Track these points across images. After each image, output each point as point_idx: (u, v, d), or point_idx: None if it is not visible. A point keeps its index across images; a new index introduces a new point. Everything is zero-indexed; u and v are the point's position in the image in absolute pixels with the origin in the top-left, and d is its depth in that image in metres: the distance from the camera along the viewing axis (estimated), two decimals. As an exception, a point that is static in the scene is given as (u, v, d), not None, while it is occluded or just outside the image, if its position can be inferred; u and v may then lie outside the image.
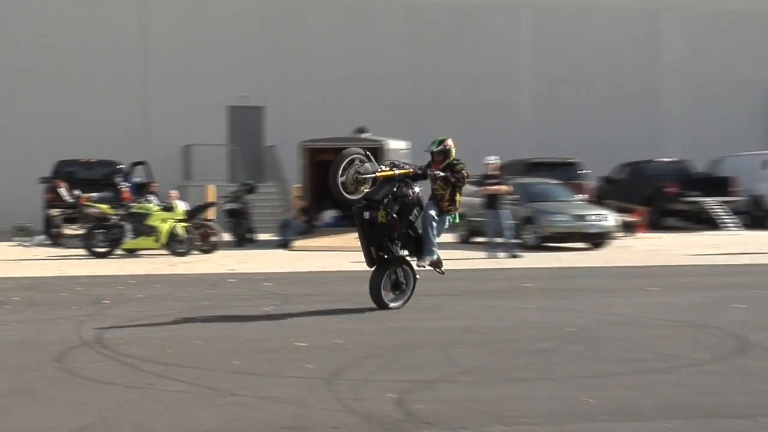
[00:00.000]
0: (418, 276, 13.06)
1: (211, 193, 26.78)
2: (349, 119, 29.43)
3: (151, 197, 22.97)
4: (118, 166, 28.53)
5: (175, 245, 21.38)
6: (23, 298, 14.24)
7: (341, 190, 12.17)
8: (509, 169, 29.03)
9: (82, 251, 21.47)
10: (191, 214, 22.24)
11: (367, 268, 12.90)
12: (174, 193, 25.55)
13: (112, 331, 11.15)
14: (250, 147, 33.24)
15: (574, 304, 13.66)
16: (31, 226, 26.47)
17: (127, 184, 27.73)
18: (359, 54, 34.75)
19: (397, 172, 12.53)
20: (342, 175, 12.17)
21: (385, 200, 12.35)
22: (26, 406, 7.65)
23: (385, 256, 12.66)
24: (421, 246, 12.92)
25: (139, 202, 22.46)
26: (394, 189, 12.42)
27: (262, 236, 25.93)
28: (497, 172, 21.94)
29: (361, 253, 12.78)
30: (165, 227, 21.25)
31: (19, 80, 32.48)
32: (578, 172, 29.58)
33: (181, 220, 21.54)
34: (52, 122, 32.43)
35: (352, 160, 12.37)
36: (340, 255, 21.67)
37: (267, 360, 9.48)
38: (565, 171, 29.07)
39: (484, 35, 36.12)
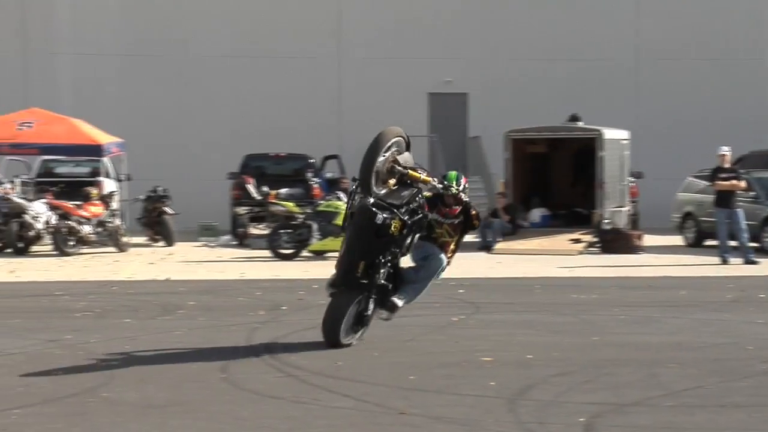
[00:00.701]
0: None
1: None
2: (561, 107, 29.07)
3: (341, 194, 23.29)
4: (309, 161, 29.02)
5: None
6: (199, 303, 14.73)
7: (372, 178, 10.61)
8: (750, 162, 28.18)
9: (267, 253, 22.01)
10: (383, 213, 22.44)
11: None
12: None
13: (284, 340, 11.40)
14: (452, 138, 33.26)
15: (812, 317, 13.18)
16: (217, 225, 27.26)
17: (317, 179, 28.22)
18: (571, 33, 34.28)
19: (431, 180, 11.21)
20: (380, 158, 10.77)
21: (404, 209, 10.75)
22: (182, 418, 7.92)
23: (365, 280, 10.69)
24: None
25: (328, 200, 22.83)
26: (417, 198, 10.94)
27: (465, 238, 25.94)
28: (731, 165, 21.24)
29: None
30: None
31: (209, 69, 33.52)
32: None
33: (372, 220, 21.74)
34: (243, 113, 33.31)
35: (394, 144, 11.18)
36: (546, 259, 21.55)
37: (445, 376, 9.51)
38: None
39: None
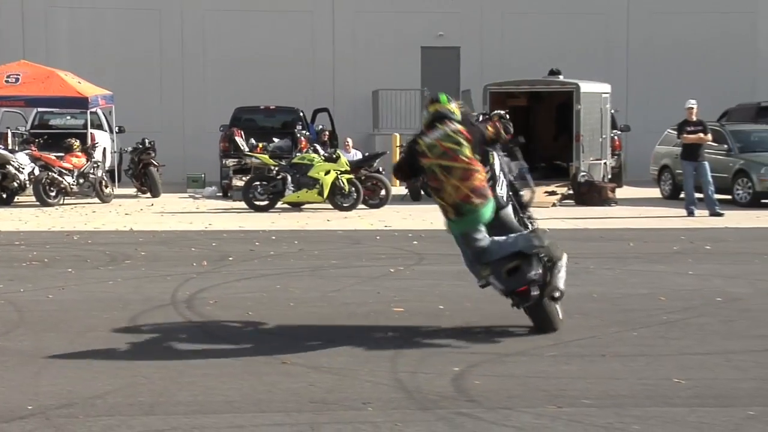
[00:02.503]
0: None
1: (397, 142, 26.88)
2: (552, 61, 28.82)
3: (318, 147, 23.20)
4: (298, 114, 28.98)
5: (338, 199, 21.63)
6: (149, 253, 14.74)
7: None
8: (737, 115, 27.95)
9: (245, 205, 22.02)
10: (358, 166, 22.41)
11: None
12: (349, 142, 25.88)
13: (210, 291, 11.41)
14: (444, 91, 32.99)
15: (747, 271, 13.10)
16: (202, 176, 27.31)
17: (306, 132, 28.15)
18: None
19: None
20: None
21: None
22: (62, 368, 7.91)
23: None
24: None
25: (304, 153, 22.81)
26: None
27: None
28: (697, 119, 21.04)
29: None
30: (328, 179, 21.49)
31: (204, 23, 33.39)
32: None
33: (345, 172, 21.71)
34: (237, 67, 33.22)
35: None
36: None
37: (347, 327, 9.51)
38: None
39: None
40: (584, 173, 23.86)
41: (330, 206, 21.79)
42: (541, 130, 26.99)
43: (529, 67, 29.73)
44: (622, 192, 26.09)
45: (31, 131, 27.84)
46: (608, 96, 25.91)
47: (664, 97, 32.37)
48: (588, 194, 23.20)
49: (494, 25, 33.78)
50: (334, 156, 22.05)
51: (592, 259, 14.19)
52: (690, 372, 7.77)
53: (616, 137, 27.66)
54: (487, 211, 8.89)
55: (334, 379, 7.58)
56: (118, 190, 25.56)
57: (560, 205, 23.00)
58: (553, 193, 23.48)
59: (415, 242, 16.13)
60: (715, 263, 13.77)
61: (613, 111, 29.13)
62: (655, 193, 25.34)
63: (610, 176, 25.71)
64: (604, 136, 25.56)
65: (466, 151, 8.87)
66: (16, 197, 23.30)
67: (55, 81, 25.72)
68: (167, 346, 8.68)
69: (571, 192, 23.63)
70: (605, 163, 25.27)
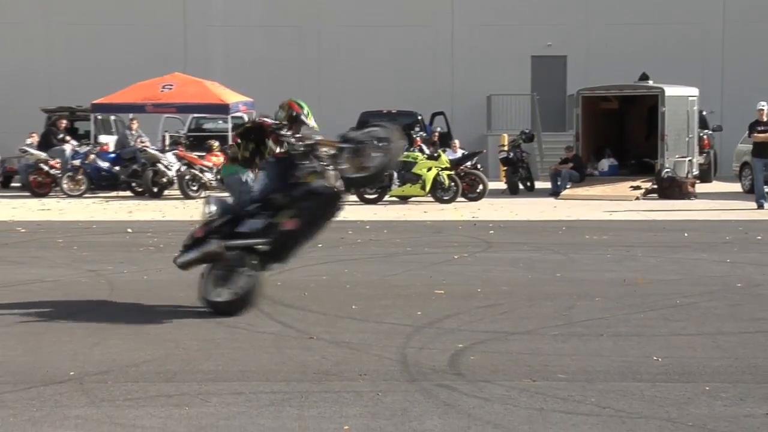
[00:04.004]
0: None
1: (505, 142, 26.68)
2: (648, 67, 28.16)
3: (424, 147, 23.19)
4: (417, 117, 29.03)
5: (439, 193, 21.61)
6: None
7: None
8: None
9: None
10: (458, 163, 22.34)
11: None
12: (456, 143, 25.82)
13: (283, 274, 11.39)
14: (551, 96, 32.74)
15: (783, 259, 12.62)
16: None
17: (423, 133, 28.13)
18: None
19: None
20: None
21: None
22: (115, 339, 8.11)
23: None
24: None
25: (410, 151, 22.80)
26: None
27: (541, 185, 25.50)
28: (767, 119, 20.33)
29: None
30: (430, 175, 21.49)
31: (341, 38, 33.69)
32: None
33: (446, 169, 21.67)
34: (368, 76, 33.41)
35: None
36: (601, 204, 21.13)
37: (386, 306, 9.48)
38: None
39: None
40: (668, 170, 23.27)
41: (432, 199, 21.76)
42: (633, 130, 26.48)
43: (630, 73, 29.07)
44: (711, 187, 25.46)
45: (188, 134, 28.50)
46: (695, 99, 25.18)
47: (757, 100, 31.26)
48: (669, 189, 22.64)
49: (598, 35, 33.21)
50: (436, 155, 22.05)
51: (644, 247, 13.88)
52: (673, 351, 7.56)
53: (705, 137, 26.93)
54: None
55: (347, 353, 7.60)
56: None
57: (644, 199, 22.49)
58: (637, 187, 23.03)
59: (491, 232, 16.01)
60: (758, 252, 13.32)
61: (705, 112, 28.43)
62: (738, 187, 24.56)
63: (696, 173, 25.04)
64: (690, 136, 24.87)
65: None
66: (165, 191, 23.89)
67: (202, 90, 26.28)
68: (219, 321, 8.76)
69: (655, 187, 23.10)
70: (690, 161, 24.58)
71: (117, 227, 16.98)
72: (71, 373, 6.98)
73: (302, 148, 9.15)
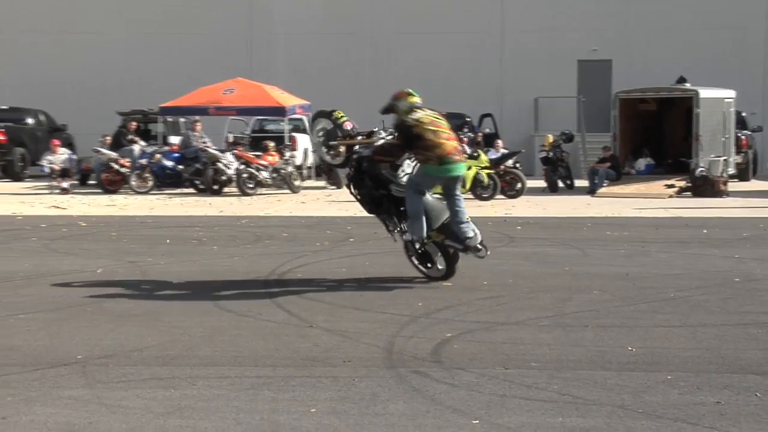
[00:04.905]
0: None
1: (548, 142, 26.47)
2: (689, 71, 27.72)
3: (466, 147, 23.06)
4: (466, 119, 28.93)
5: (478, 190, 21.51)
6: (290, 235, 14.97)
7: None
8: None
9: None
10: (498, 162, 22.23)
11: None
12: (499, 143, 25.66)
13: (307, 266, 11.58)
14: (597, 98, 32.37)
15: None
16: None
17: (470, 134, 28.03)
18: (706, 3, 32.62)
19: None
20: None
21: None
22: (137, 325, 8.21)
23: None
24: None
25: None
26: None
27: (582, 183, 25.25)
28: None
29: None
30: (470, 174, 21.35)
31: (395, 43, 33.69)
32: None
33: (485, 168, 21.58)
34: (421, 80, 33.32)
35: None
36: (634, 202, 20.87)
37: (391, 296, 9.47)
38: None
39: None
40: (702, 169, 22.91)
41: (472, 196, 21.65)
42: (671, 131, 26.10)
43: (672, 76, 28.57)
44: (748, 186, 25.02)
45: (251, 135, 28.75)
46: (732, 100, 24.75)
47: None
48: (702, 187, 22.29)
49: (642, 39, 32.77)
50: (475, 154, 21.92)
51: (659, 243, 13.69)
52: (648, 341, 7.47)
53: (743, 137, 26.47)
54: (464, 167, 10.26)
55: (339, 341, 7.62)
56: (312, 183, 26.14)
57: (677, 197, 22.17)
58: (671, 186, 22.72)
59: (518, 227, 15.91)
60: (775, 249, 13.05)
61: (745, 113, 27.94)
62: (773, 186, 24.16)
63: (732, 172, 24.64)
64: (727, 136, 24.47)
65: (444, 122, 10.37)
66: (225, 188, 24.13)
67: (261, 93, 26.47)
68: (230, 310, 8.85)
69: (688, 185, 22.75)
70: (725, 160, 24.16)
71: (169, 222, 17.20)
72: (78, 357, 7.10)
73: None
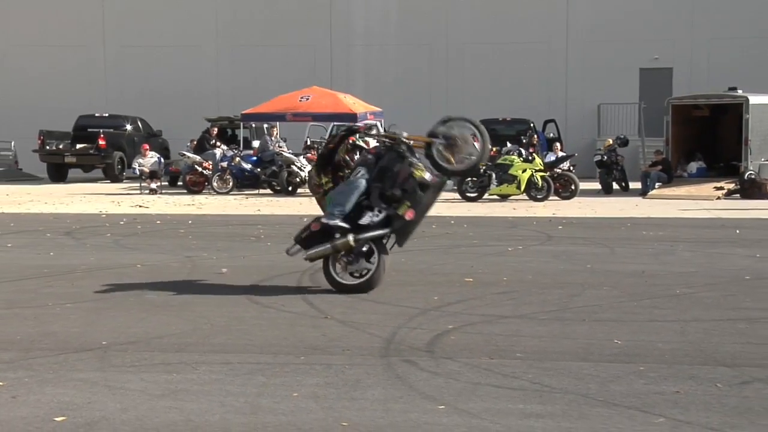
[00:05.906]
0: None
1: (607, 145, 26.14)
2: (746, 78, 27.15)
3: (512, 149, 22.94)
4: (529, 124, 28.75)
5: (533, 192, 21.38)
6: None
7: None
8: None
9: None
10: (552, 165, 22.06)
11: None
12: (557, 146, 25.44)
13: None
14: (658, 105, 31.75)
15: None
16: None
17: (523, 138, 27.81)
18: (763, 11, 31.84)
19: None
20: None
21: None
22: (172, 315, 8.37)
23: None
24: None
25: (511, 154, 22.58)
26: None
27: (636, 186, 24.84)
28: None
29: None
30: (524, 176, 21.29)
31: (465, 54, 33.64)
32: None
33: (539, 170, 21.43)
34: (487, 87, 33.27)
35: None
36: (683, 203, 20.49)
37: (411, 291, 9.45)
38: None
39: None
40: (751, 172, 22.38)
41: (527, 198, 21.55)
42: (724, 136, 25.56)
43: (731, 84, 27.97)
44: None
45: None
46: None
47: None
48: (750, 189, 21.82)
49: (702, 48, 32.17)
50: (530, 158, 21.81)
51: (689, 242, 13.45)
52: (638, 335, 7.36)
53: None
54: None
55: (346, 331, 7.67)
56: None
57: (725, 199, 21.70)
58: (720, 188, 22.26)
59: (560, 227, 15.76)
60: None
61: None
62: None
63: (784, 174, 24.02)
64: (777, 140, 23.92)
65: None
66: (298, 189, 24.38)
67: (334, 101, 26.66)
68: (258, 302, 8.95)
69: (737, 188, 22.26)
70: (780, 163, 23.62)
71: (235, 220, 17.47)
72: (103, 343, 7.27)
73: (401, 146, 9.38)
